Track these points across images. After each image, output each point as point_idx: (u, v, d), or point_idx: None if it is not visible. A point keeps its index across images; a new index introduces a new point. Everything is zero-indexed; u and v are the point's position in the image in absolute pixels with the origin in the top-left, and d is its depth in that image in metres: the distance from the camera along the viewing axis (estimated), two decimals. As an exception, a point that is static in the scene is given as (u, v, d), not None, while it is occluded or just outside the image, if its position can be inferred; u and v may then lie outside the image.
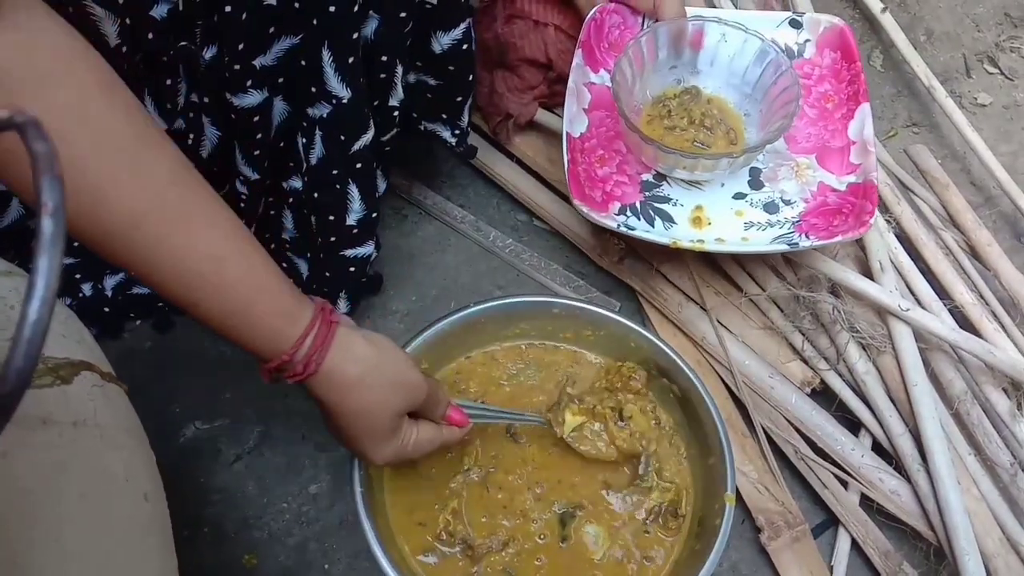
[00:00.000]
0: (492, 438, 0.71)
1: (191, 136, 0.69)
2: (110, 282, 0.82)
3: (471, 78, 0.76)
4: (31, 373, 0.20)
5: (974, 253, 0.86)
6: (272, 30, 0.62)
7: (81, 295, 0.81)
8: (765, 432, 0.76)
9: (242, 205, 0.76)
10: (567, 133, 0.78)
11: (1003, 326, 0.80)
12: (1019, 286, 0.82)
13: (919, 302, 0.79)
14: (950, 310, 0.79)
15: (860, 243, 0.82)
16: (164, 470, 0.57)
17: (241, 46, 0.61)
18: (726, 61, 0.82)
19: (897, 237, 0.83)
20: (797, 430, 0.77)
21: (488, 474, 0.70)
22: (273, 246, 0.80)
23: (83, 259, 0.80)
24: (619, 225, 0.74)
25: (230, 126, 0.67)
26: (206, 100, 0.65)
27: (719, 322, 0.81)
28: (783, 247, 0.73)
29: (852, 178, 0.77)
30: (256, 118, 0.66)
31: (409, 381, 0.59)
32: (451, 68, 0.73)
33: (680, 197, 0.79)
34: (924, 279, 0.81)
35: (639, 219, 0.77)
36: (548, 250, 0.90)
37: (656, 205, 0.79)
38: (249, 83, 0.63)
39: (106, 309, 0.82)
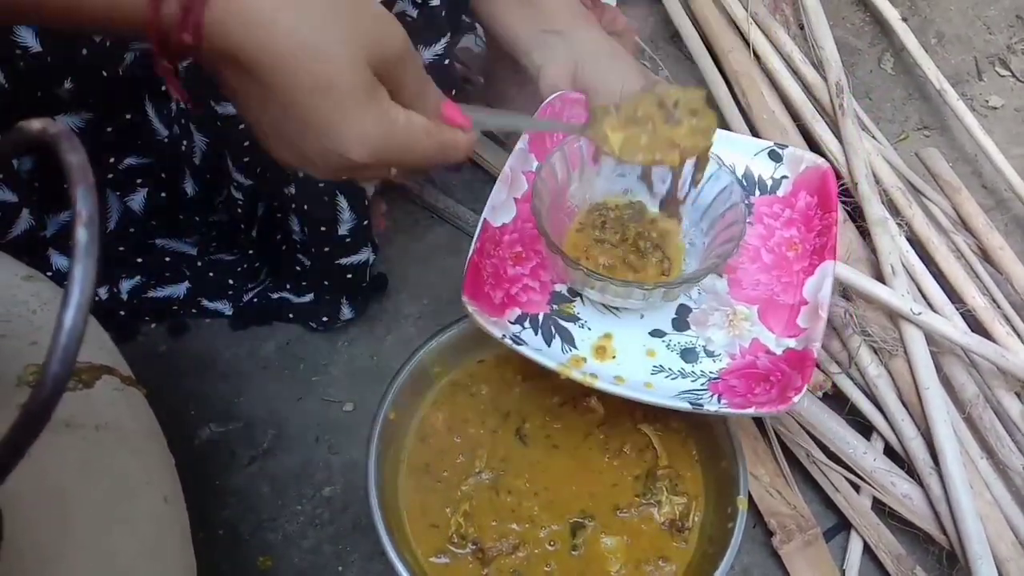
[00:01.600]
0: (502, 440, 0.72)
1: (184, 143, 0.70)
2: (126, 286, 0.83)
3: (452, 92, 0.75)
4: (67, 378, 0.20)
5: (986, 257, 0.86)
6: None
7: (97, 299, 0.82)
8: (777, 435, 0.77)
9: (239, 210, 0.77)
10: (484, 219, 0.68)
11: (1015, 330, 0.80)
12: (1032, 290, 0.82)
13: (931, 306, 0.79)
14: (962, 314, 0.79)
15: (871, 246, 0.82)
16: (180, 472, 0.58)
17: None
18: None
19: (908, 240, 0.83)
20: (809, 434, 0.77)
21: (498, 477, 0.70)
22: (284, 247, 0.81)
23: (99, 265, 0.81)
24: (505, 335, 0.64)
25: (217, 134, 0.67)
26: (189, 106, 0.65)
27: (730, 326, 0.81)
28: (684, 405, 0.62)
29: (792, 343, 0.66)
30: (241, 126, 0.66)
31: (373, 10, 0.42)
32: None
33: (591, 319, 0.69)
34: (936, 283, 0.81)
35: (536, 333, 0.67)
36: (559, 254, 0.91)
37: (561, 322, 0.68)
38: None
39: (121, 312, 0.83)
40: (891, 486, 0.74)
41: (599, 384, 0.63)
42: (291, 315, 0.84)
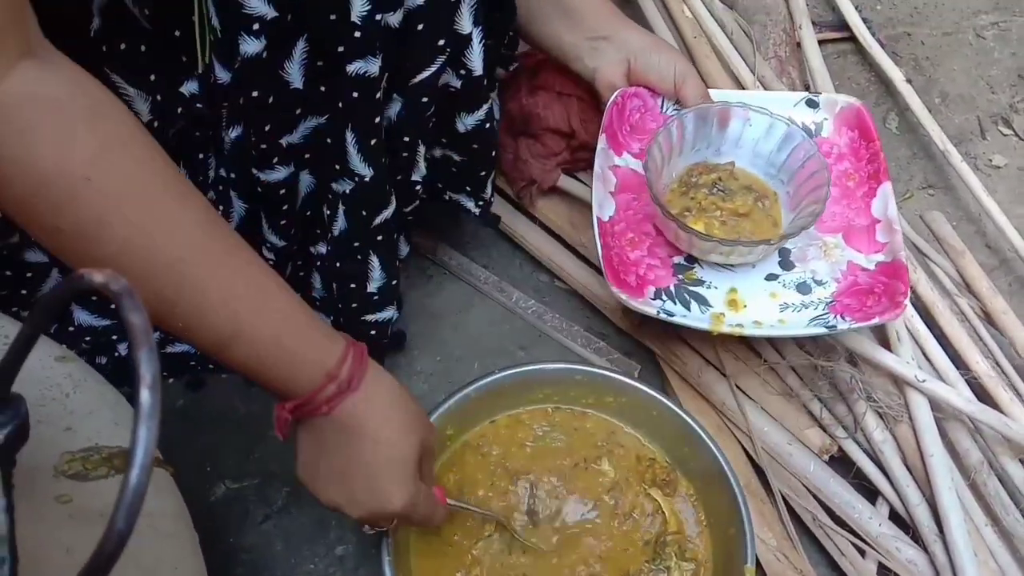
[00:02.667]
0: (511, 503, 0.73)
1: (220, 208, 0.72)
2: None
3: (493, 154, 0.79)
4: (129, 535, 0.22)
5: (990, 320, 0.87)
6: (299, 111, 0.65)
7: (117, 355, 0.84)
8: (784, 499, 0.78)
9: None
10: (597, 218, 0.78)
11: (1019, 394, 0.81)
12: (1035, 354, 0.84)
13: (936, 371, 0.80)
14: (967, 380, 0.80)
15: (877, 311, 0.83)
16: (195, 529, 0.60)
17: (268, 127, 0.64)
18: (751, 144, 0.82)
19: (913, 305, 0.84)
20: (815, 497, 0.78)
21: (509, 541, 0.71)
22: None
23: (119, 321, 0.83)
24: (658, 311, 0.74)
25: (257, 199, 0.70)
26: (233, 175, 0.68)
27: (738, 387, 0.82)
28: (821, 330, 0.73)
29: (880, 256, 0.78)
30: (282, 191, 0.69)
31: (425, 420, 0.62)
32: (475, 146, 0.76)
33: (713, 279, 0.79)
34: (940, 347, 0.82)
35: (675, 303, 0.77)
36: (569, 311, 0.92)
37: (690, 288, 0.79)
38: (275, 160, 0.67)
39: None
40: (896, 552, 0.75)
41: (746, 331, 0.74)
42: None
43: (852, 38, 1.14)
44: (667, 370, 0.87)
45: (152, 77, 0.62)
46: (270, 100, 0.62)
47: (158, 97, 0.63)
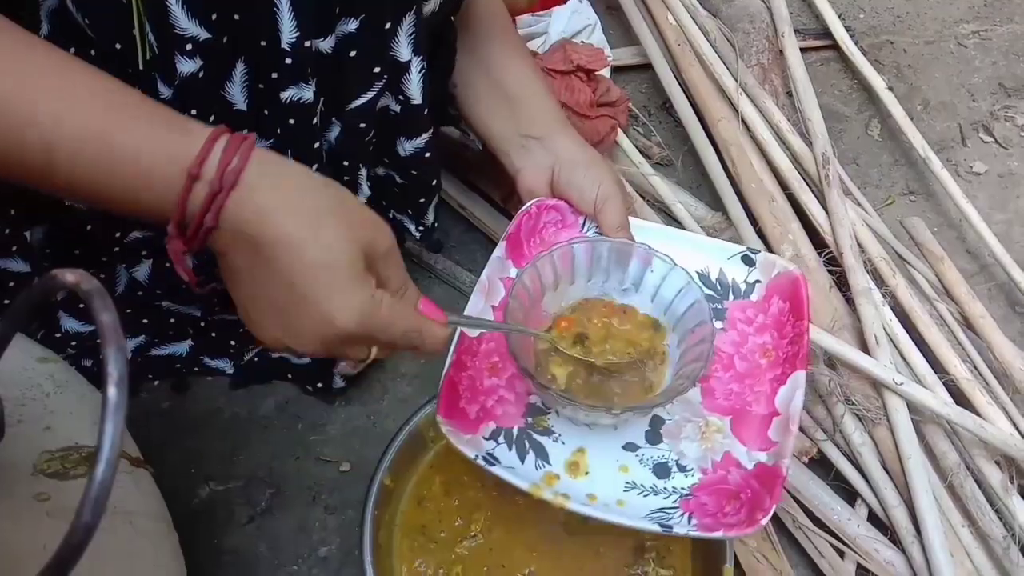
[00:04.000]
0: (501, 503, 0.74)
1: None
2: (130, 344, 0.85)
3: (434, 183, 0.78)
4: (95, 527, 0.23)
5: (968, 324, 0.88)
6: (246, 132, 0.65)
7: (102, 357, 0.84)
8: (763, 501, 0.78)
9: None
10: (461, 331, 0.67)
11: (996, 398, 0.82)
12: (1012, 358, 0.85)
13: (914, 374, 0.81)
14: (945, 383, 0.81)
15: (856, 315, 0.84)
16: (179, 531, 0.60)
17: None
18: (651, 289, 0.71)
19: (892, 309, 0.85)
20: (795, 499, 0.79)
21: (494, 541, 0.72)
22: None
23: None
24: (478, 456, 0.62)
25: None
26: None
27: (719, 390, 0.83)
28: (654, 527, 0.61)
29: (763, 457, 0.65)
30: None
31: (366, 215, 0.50)
32: (414, 172, 0.75)
33: (565, 433, 0.67)
34: (919, 351, 0.83)
35: (510, 449, 0.66)
36: (554, 315, 0.93)
37: (536, 437, 0.67)
38: None
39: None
40: (875, 552, 0.76)
41: (571, 505, 0.61)
42: (290, 375, 0.86)
43: (835, 46, 1.16)
44: (650, 373, 0.87)
45: None
46: (211, 119, 0.61)
47: None
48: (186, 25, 0.55)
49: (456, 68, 0.77)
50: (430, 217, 0.81)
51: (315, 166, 0.65)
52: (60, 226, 0.74)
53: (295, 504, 0.81)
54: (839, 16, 1.17)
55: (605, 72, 0.98)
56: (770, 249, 0.90)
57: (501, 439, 0.66)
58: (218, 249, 0.47)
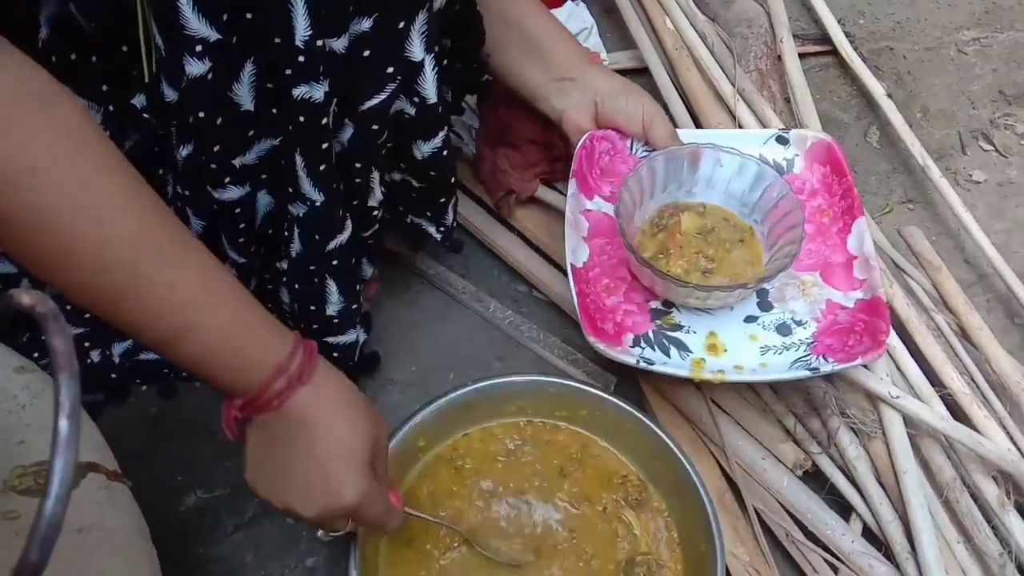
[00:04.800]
0: (487, 516, 0.73)
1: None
2: (118, 349, 0.84)
3: (452, 180, 0.79)
4: (44, 566, 0.21)
5: (966, 336, 0.87)
6: (252, 133, 0.64)
7: (90, 361, 0.83)
8: (757, 514, 0.77)
9: None
10: (571, 264, 0.76)
11: (994, 411, 0.81)
12: (1010, 371, 0.83)
13: (911, 387, 0.80)
14: (941, 396, 0.80)
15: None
16: (164, 539, 0.59)
17: (217, 147, 0.63)
18: (723, 184, 0.81)
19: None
20: (789, 513, 0.78)
21: (479, 554, 0.71)
22: (276, 316, 0.82)
23: (92, 328, 0.82)
24: (638, 360, 0.72)
25: (213, 217, 0.69)
26: (187, 192, 0.67)
27: (713, 401, 0.82)
28: (803, 373, 0.72)
29: (859, 294, 0.77)
30: (238, 210, 0.69)
31: (377, 416, 0.60)
32: (432, 173, 0.75)
33: (692, 323, 0.77)
34: (916, 363, 0.82)
35: (654, 350, 0.75)
36: (547, 322, 0.92)
37: (669, 334, 0.77)
38: (228, 179, 0.66)
39: (113, 375, 0.84)
40: (869, 568, 0.74)
41: (729, 377, 0.72)
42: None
43: (834, 52, 1.15)
44: (644, 383, 0.86)
45: (104, 88, 0.61)
46: (218, 121, 0.61)
47: (110, 107, 0.62)
48: (196, 26, 0.54)
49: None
50: (450, 216, 0.82)
51: (323, 167, 0.64)
52: None
53: (282, 515, 0.79)
54: (839, 21, 1.16)
55: (601, 77, 0.97)
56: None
57: (643, 344, 0.76)
58: (262, 420, 0.56)
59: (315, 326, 0.74)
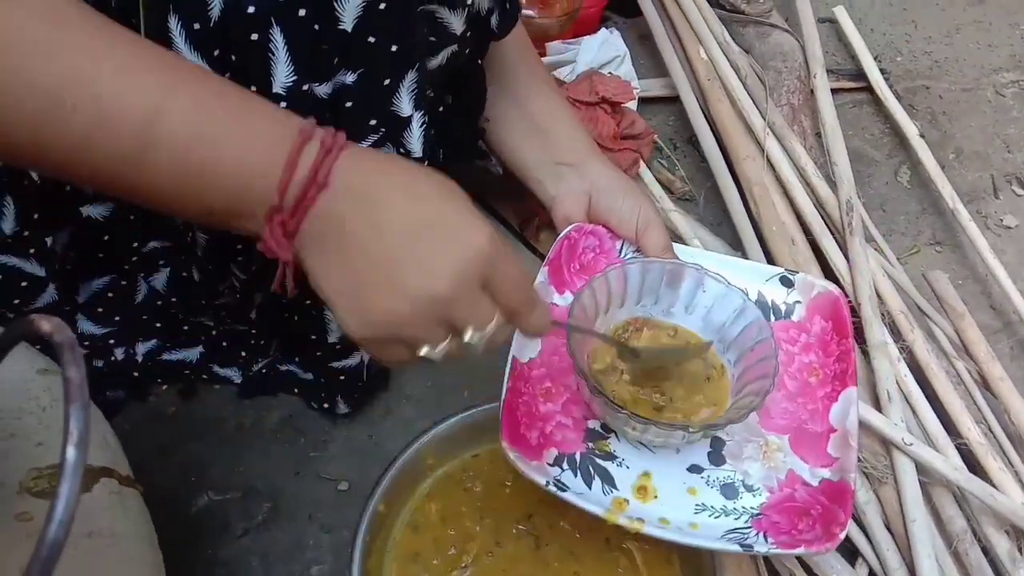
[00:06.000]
0: (495, 539, 0.73)
1: (189, 235, 0.73)
2: (141, 348, 0.86)
3: None
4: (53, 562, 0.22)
5: (986, 385, 0.86)
6: None
7: (113, 359, 0.85)
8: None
9: (237, 296, 0.80)
10: (513, 357, 0.68)
11: (1010, 464, 0.80)
12: (1029, 423, 0.83)
13: (926, 435, 0.80)
14: (957, 446, 0.79)
15: (870, 368, 0.83)
16: (173, 540, 0.60)
17: None
18: (702, 311, 0.72)
19: (908, 364, 0.84)
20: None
21: (484, 574, 0.71)
22: (289, 326, 0.84)
23: (119, 328, 0.84)
24: (549, 482, 0.63)
25: (216, 234, 0.71)
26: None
27: (725, 435, 0.82)
28: (734, 547, 0.61)
29: (826, 473, 0.66)
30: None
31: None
32: None
33: (628, 457, 0.68)
34: (932, 410, 0.81)
35: (575, 475, 0.66)
36: (564, 346, 0.92)
37: (599, 462, 0.67)
38: None
39: (135, 373, 0.86)
40: (873, 615, 0.74)
41: (647, 529, 0.62)
42: (296, 390, 0.87)
43: (869, 88, 1.14)
44: (657, 412, 0.86)
45: None
46: None
47: None
48: (189, 57, 0.55)
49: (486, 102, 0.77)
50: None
51: None
52: (82, 234, 0.75)
53: (291, 520, 0.81)
54: (876, 58, 1.15)
55: (631, 104, 0.98)
56: (787, 294, 0.89)
57: (565, 465, 0.67)
58: (318, 221, 0.44)
59: (318, 353, 0.76)
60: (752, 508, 0.65)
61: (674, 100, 1.09)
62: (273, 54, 0.55)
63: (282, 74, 0.56)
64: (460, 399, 0.88)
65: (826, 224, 0.93)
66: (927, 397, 0.82)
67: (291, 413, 0.87)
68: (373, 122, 0.63)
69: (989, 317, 1.00)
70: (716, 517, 0.65)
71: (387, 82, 0.61)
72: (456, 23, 0.64)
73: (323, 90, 0.60)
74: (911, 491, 0.75)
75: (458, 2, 0.63)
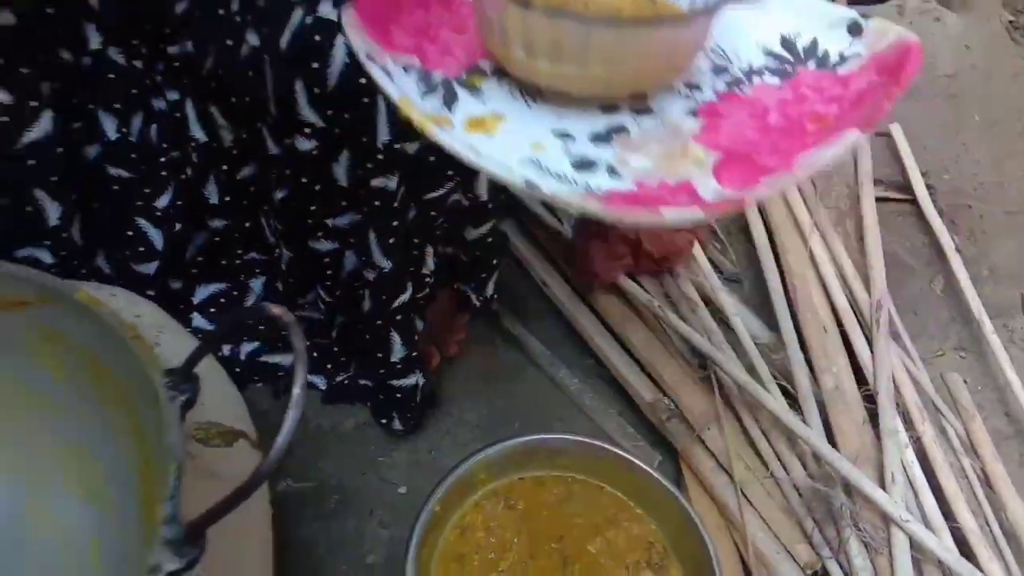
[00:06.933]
0: (529, 552, 0.84)
1: (276, 251, 0.88)
2: (246, 348, 1.00)
3: (495, 262, 0.93)
4: (278, 462, 0.35)
5: (988, 483, 0.94)
6: (344, 203, 0.80)
7: (220, 354, 0.99)
8: (763, 602, 0.86)
9: (320, 315, 0.95)
10: None
11: (1002, 554, 0.88)
12: (1023, 520, 0.90)
13: (924, 515, 0.88)
14: (952, 529, 0.88)
15: (879, 449, 0.92)
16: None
17: (313, 207, 0.80)
18: None
19: (916, 453, 0.93)
20: (793, 608, 0.86)
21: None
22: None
23: (231, 331, 0.98)
24: (385, 71, 0.54)
25: (305, 257, 0.86)
26: (280, 226, 0.83)
27: (743, 493, 0.92)
28: (522, 175, 0.49)
29: (729, 192, 0.52)
30: (327, 260, 0.85)
31: None
32: (477, 253, 0.90)
33: (492, 97, 0.59)
34: (933, 496, 0.90)
35: (418, 83, 0.57)
36: (608, 396, 1.04)
37: (455, 87, 0.59)
38: (321, 234, 0.82)
39: (237, 369, 1.00)
40: (857, 672, 0.82)
41: (440, 136, 0.51)
42: (368, 403, 1.00)
43: (914, 200, 1.25)
44: (684, 467, 0.97)
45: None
46: (317, 187, 0.78)
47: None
48: (307, 114, 0.71)
49: None
50: (489, 290, 0.96)
51: (391, 240, 0.79)
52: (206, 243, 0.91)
53: (355, 514, 0.93)
54: (924, 174, 1.26)
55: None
56: (814, 376, 0.99)
57: (414, 73, 0.57)
58: None
59: (382, 371, 0.89)
60: (598, 188, 0.52)
61: (733, 191, 1.21)
62: (376, 117, 0.70)
63: (382, 134, 0.71)
64: (512, 429, 1.00)
65: (857, 319, 1.03)
66: (930, 485, 0.91)
67: (364, 422, 1.00)
68: (450, 172, 0.78)
69: (1003, 424, 1.08)
70: (543, 176, 0.52)
71: None
72: None
73: (412, 147, 0.74)
74: (903, 564, 0.83)
75: None
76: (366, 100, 0.69)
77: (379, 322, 0.86)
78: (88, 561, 0.58)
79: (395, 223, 0.78)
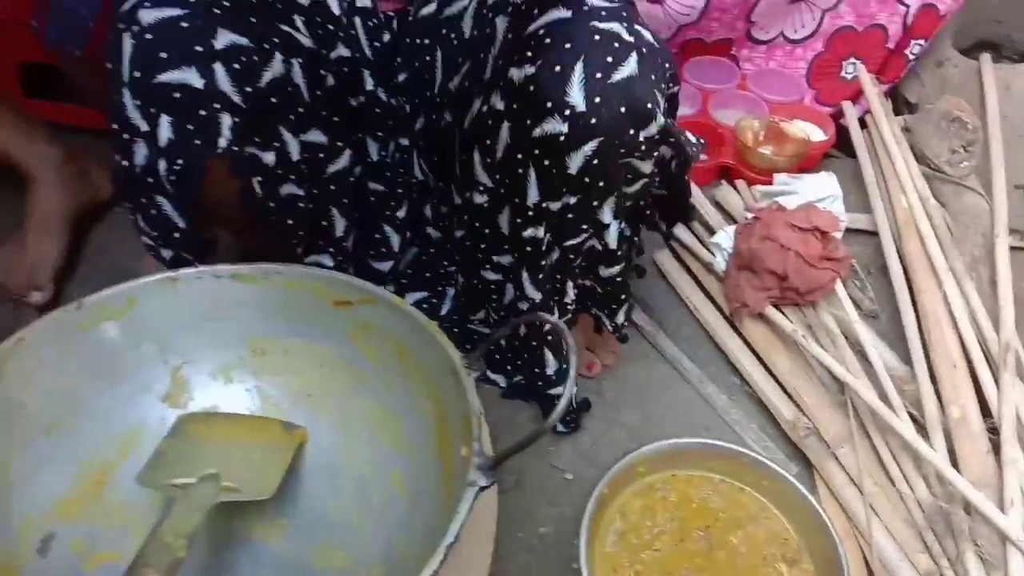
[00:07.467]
0: (680, 534, 0.99)
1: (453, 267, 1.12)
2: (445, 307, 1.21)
3: (623, 296, 1.08)
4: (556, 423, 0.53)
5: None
6: (506, 247, 0.99)
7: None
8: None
9: (488, 332, 1.17)
10: None
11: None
12: None
13: (1042, 540, 0.98)
14: (1067, 554, 0.97)
15: (1000, 476, 1.02)
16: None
17: (483, 246, 1.01)
18: None
19: (1037, 483, 1.02)
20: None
21: (669, 558, 0.98)
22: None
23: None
24: None
25: (474, 287, 1.08)
26: (459, 258, 1.08)
27: (871, 506, 1.04)
28: None
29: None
30: (493, 287, 1.06)
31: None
32: (609, 288, 1.06)
33: None
34: (1052, 522, 0.99)
35: None
36: (750, 412, 1.17)
37: None
38: (489, 267, 1.03)
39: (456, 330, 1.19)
40: (969, 669, 0.93)
41: None
42: (540, 403, 1.17)
43: (1052, 251, 1.32)
44: (818, 479, 1.10)
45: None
46: (486, 231, 0.98)
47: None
48: (481, 176, 0.92)
49: None
50: (620, 319, 1.12)
51: (540, 276, 0.97)
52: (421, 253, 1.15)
53: (529, 493, 1.10)
54: (1062, 225, 1.33)
55: (838, 234, 1.23)
56: (942, 407, 1.10)
57: None
58: None
59: (539, 383, 1.08)
60: None
61: (873, 234, 1.33)
62: (528, 183, 0.88)
63: (532, 195, 0.90)
64: (662, 433, 1.15)
65: (985, 357, 1.13)
66: (1050, 511, 1.00)
67: (536, 416, 1.17)
68: (584, 226, 0.95)
69: None
70: None
71: (595, 203, 0.92)
72: (646, 168, 0.92)
73: (555, 206, 0.91)
74: (1018, 579, 0.94)
75: (648, 155, 0.90)
76: (520, 171, 0.88)
77: (534, 343, 1.06)
78: (391, 484, 0.80)
79: (543, 262, 0.96)
